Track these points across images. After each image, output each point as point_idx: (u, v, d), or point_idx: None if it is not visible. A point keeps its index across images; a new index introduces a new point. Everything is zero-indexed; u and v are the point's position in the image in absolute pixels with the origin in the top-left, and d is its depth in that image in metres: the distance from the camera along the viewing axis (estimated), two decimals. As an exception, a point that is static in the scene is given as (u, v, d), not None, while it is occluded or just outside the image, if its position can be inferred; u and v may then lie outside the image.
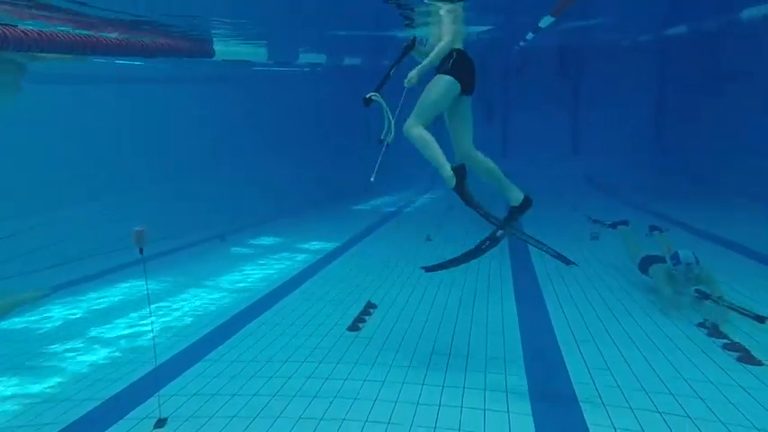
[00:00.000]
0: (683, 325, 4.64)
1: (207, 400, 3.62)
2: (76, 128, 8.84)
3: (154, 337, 4.46)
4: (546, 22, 9.31)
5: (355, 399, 3.55)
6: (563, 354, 4.13)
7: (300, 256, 7.93)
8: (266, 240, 9.30)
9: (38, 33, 4.81)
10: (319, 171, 14.38)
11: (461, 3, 5.67)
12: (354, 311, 5.24)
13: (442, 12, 5.88)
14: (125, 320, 5.34)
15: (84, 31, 5.83)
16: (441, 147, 3.63)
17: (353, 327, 4.87)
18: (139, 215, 8.18)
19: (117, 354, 4.52)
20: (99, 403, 3.63)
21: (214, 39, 9.04)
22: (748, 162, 11.16)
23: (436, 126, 3.77)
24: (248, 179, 12.08)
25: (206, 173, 11.33)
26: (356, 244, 8.66)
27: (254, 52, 11.39)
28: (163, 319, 5.32)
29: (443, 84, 3.67)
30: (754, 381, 3.59)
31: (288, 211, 11.60)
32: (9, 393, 3.86)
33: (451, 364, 4.04)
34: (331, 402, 3.51)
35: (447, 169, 3.58)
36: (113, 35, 6.28)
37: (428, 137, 3.62)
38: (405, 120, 3.68)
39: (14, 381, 4.07)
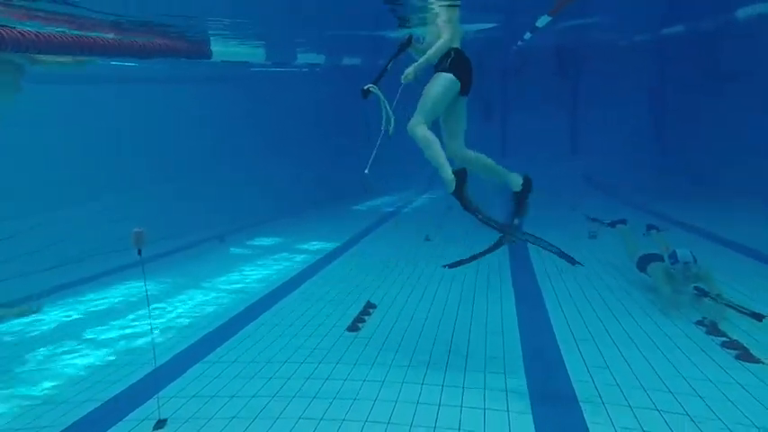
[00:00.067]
0: (682, 323, 4.64)
1: (206, 401, 3.62)
2: (76, 128, 8.84)
3: (153, 339, 4.46)
4: (543, 21, 9.32)
5: (355, 399, 3.55)
6: (562, 353, 4.14)
7: (299, 257, 7.93)
8: (265, 241, 9.30)
9: (35, 34, 4.81)
10: (318, 171, 14.38)
11: (458, 3, 5.67)
12: (354, 312, 5.24)
13: (438, 11, 5.89)
14: (124, 322, 5.34)
15: (81, 33, 5.83)
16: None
17: (353, 327, 4.87)
18: (139, 215, 8.19)
19: (116, 355, 4.52)
20: (98, 405, 3.63)
21: (212, 40, 9.03)
22: (748, 162, 11.17)
23: (437, 127, 3.77)
24: (248, 179, 12.08)
25: (205, 173, 11.32)
26: (355, 244, 8.66)
27: (253, 53, 11.39)
28: (162, 321, 5.32)
29: (444, 81, 3.68)
30: (753, 378, 3.59)
31: (287, 212, 11.60)
32: (7, 395, 3.85)
33: (451, 363, 4.04)
34: (330, 403, 3.51)
35: (448, 172, 3.58)
36: (110, 35, 6.27)
37: (432, 138, 3.62)
38: (403, 116, 3.70)
39: (13, 382, 4.06)
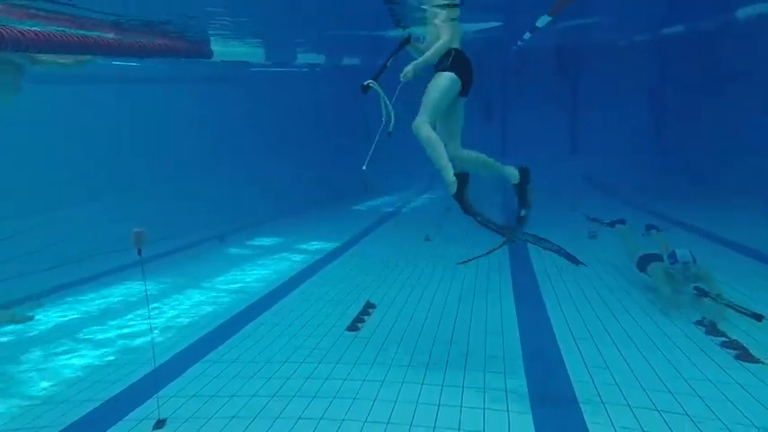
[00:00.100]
0: (682, 323, 4.64)
1: (206, 401, 3.62)
2: (76, 128, 8.84)
3: (153, 338, 4.46)
4: (543, 21, 9.31)
5: (354, 399, 3.55)
6: (562, 352, 4.14)
7: (299, 257, 7.93)
8: (265, 241, 9.30)
9: (35, 33, 4.81)
10: (318, 171, 14.38)
11: (457, 1, 5.67)
12: (353, 311, 5.24)
13: (437, 11, 5.89)
14: (124, 321, 5.34)
15: (82, 31, 5.83)
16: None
17: (352, 327, 4.87)
18: (139, 215, 8.20)
19: (115, 355, 4.52)
20: (98, 404, 3.63)
21: (212, 39, 9.03)
22: (748, 162, 11.17)
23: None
24: (247, 179, 12.08)
25: (205, 173, 11.32)
26: (355, 244, 8.66)
27: (253, 53, 11.38)
28: (161, 320, 5.32)
29: (445, 80, 3.70)
30: (753, 378, 3.59)
31: (287, 212, 11.60)
32: (6, 395, 3.85)
33: (451, 363, 4.04)
34: (330, 402, 3.51)
35: (450, 174, 3.58)
36: (110, 35, 6.28)
37: (436, 138, 3.62)
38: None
39: (12, 382, 4.06)
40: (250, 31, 8.82)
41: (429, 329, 4.77)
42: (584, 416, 3.22)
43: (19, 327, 5.30)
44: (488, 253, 4.17)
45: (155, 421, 3.30)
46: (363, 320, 5.02)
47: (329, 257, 7.77)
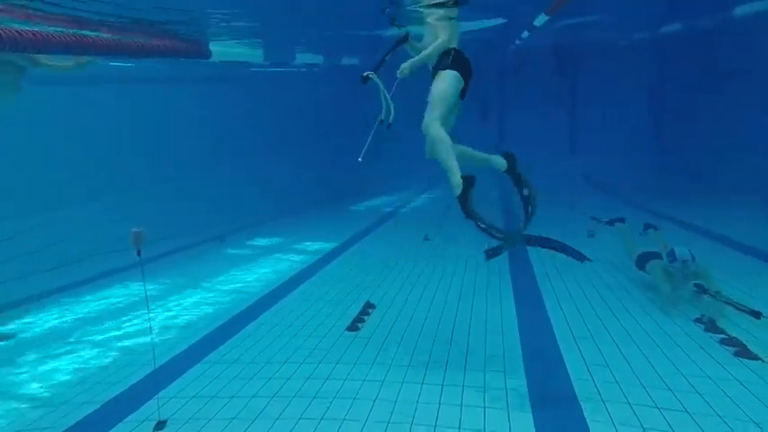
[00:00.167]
0: (681, 321, 4.65)
1: (206, 402, 3.62)
2: (76, 128, 8.82)
3: (153, 339, 4.46)
4: (541, 20, 9.31)
5: (354, 399, 3.55)
6: (562, 351, 4.14)
7: (299, 257, 7.93)
8: (265, 241, 9.30)
9: (33, 34, 4.80)
10: (318, 171, 14.38)
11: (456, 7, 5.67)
12: (353, 311, 5.24)
13: (435, 11, 5.88)
14: (123, 322, 5.33)
15: (80, 31, 5.81)
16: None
17: (352, 327, 4.88)
18: (139, 215, 8.18)
19: (115, 356, 4.52)
20: (98, 406, 3.63)
21: (211, 40, 9.02)
22: (745, 159, 11.18)
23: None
24: (247, 179, 12.07)
25: (205, 173, 11.31)
26: (355, 244, 8.66)
27: (251, 53, 11.37)
28: (161, 321, 5.32)
29: (450, 78, 3.70)
30: (752, 375, 3.60)
31: (287, 212, 11.60)
32: (7, 397, 3.85)
33: (451, 362, 4.04)
34: (330, 403, 3.51)
35: (457, 177, 3.54)
36: (108, 35, 6.26)
37: (446, 138, 3.60)
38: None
39: (12, 385, 4.06)
40: (249, 31, 8.81)
41: (429, 329, 4.77)
42: (585, 413, 3.23)
43: (18, 328, 5.30)
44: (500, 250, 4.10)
45: (155, 422, 3.31)
46: (363, 320, 5.02)
47: (329, 257, 7.77)
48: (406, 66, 3.76)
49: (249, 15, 7.56)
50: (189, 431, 3.26)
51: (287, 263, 7.61)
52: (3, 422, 3.50)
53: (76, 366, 4.34)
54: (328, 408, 3.45)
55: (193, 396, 3.70)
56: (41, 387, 3.99)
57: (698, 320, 4.57)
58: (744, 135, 11.55)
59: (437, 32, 3.87)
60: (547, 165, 15.29)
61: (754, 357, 3.80)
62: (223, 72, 11.98)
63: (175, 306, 5.81)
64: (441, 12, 5.80)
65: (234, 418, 3.40)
